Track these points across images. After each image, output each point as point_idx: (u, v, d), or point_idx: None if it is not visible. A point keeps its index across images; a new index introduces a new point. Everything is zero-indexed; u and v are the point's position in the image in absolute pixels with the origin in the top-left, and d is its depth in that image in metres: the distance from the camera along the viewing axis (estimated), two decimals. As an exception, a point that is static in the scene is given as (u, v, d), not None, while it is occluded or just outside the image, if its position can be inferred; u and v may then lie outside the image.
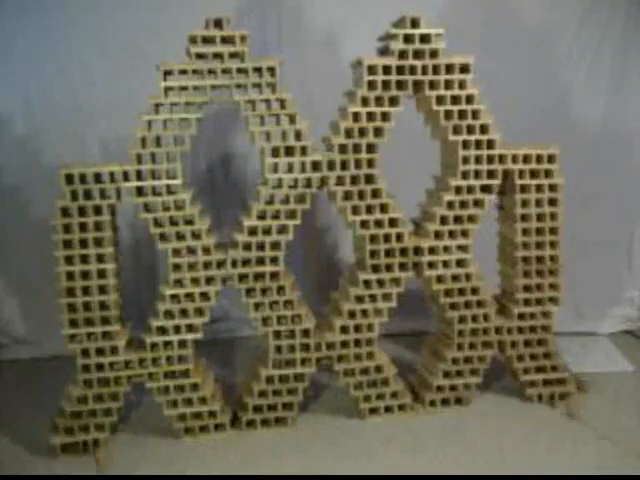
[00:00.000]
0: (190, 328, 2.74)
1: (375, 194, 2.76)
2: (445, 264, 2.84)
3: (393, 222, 2.79)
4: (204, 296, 2.73)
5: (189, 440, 2.79)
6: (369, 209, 2.77)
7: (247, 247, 2.72)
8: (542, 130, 3.76)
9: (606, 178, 3.82)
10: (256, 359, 2.97)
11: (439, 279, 2.86)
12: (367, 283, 2.81)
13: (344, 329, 2.83)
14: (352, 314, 2.83)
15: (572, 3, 3.61)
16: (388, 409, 2.93)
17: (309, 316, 2.84)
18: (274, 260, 2.74)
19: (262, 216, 2.71)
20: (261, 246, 2.73)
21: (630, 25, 3.62)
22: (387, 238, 2.79)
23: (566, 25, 3.63)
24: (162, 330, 2.74)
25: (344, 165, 2.72)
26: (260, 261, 2.74)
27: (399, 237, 2.80)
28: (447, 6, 3.53)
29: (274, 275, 2.75)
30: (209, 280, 2.72)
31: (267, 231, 2.72)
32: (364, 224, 2.78)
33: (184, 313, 2.73)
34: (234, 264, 2.72)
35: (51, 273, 3.69)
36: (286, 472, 2.54)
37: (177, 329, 2.74)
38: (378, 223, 2.78)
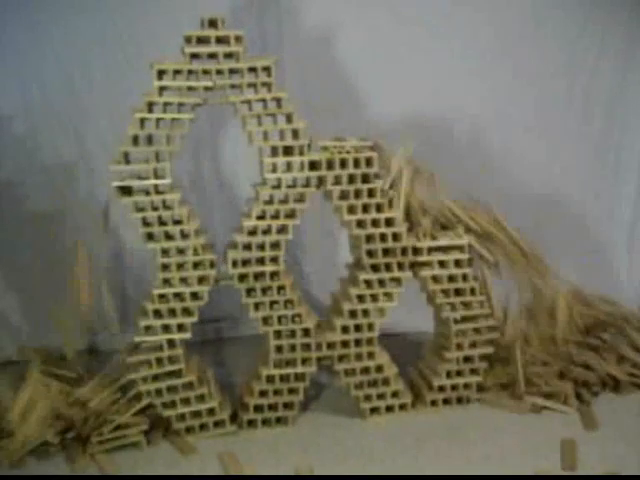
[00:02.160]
0: (180, 327, 2.71)
1: (371, 193, 2.74)
2: (442, 264, 2.83)
3: (389, 222, 2.77)
4: (194, 296, 2.71)
5: (190, 439, 2.78)
6: (365, 208, 2.75)
7: (247, 247, 2.71)
8: (542, 130, 3.77)
9: (606, 178, 3.82)
10: (257, 359, 2.96)
11: (435, 279, 2.85)
12: (368, 283, 2.80)
13: (345, 329, 2.82)
14: (353, 314, 2.82)
15: (573, 4, 3.60)
16: (389, 409, 2.93)
17: (310, 315, 2.84)
18: (274, 260, 2.73)
19: (261, 216, 2.69)
20: (261, 246, 2.71)
21: (633, 27, 3.61)
22: (383, 237, 2.77)
23: (567, 26, 3.62)
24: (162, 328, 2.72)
25: (343, 164, 2.70)
26: (260, 261, 2.73)
27: (395, 237, 2.78)
28: (444, 5, 3.53)
29: (274, 274, 2.75)
30: (201, 280, 2.71)
31: (267, 231, 2.71)
32: (360, 223, 2.76)
33: (172, 312, 2.72)
34: (234, 264, 2.71)
35: (50, 270, 3.69)
36: (286, 472, 2.54)
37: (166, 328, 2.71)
38: (374, 222, 2.76)
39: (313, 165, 2.68)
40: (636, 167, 3.80)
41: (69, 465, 2.61)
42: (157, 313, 2.71)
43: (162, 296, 2.71)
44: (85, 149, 3.51)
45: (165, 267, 2.69)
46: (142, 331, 2.71)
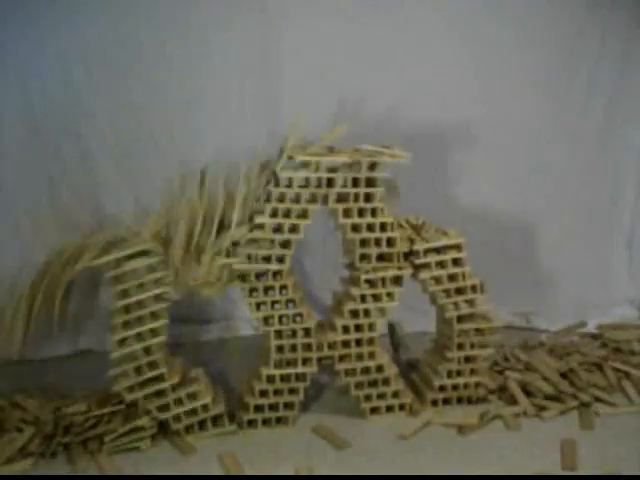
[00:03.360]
0: (153, 332, 2.68)
1: (368, 198, 2.73)
2: (441, 265, 2.83)
3: (384, 226, 2.77)
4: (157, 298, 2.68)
5: (190, 439, 2.77)
6: (361, 212, 2.75)
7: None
8: (542, 129, 3.77)
9: (606, 179, 3.83)
10: (257, 358, 2.96)
11: (435, 280, 2.85)
12: (370, 282, 2.80)
13: (346, 328, 2.83)
14: (354, 313, 2.82)
15: (573, 4, 3.60)
16: (389, 409, 2.93)
17: (311, 315, 2.84)
18: (280, 259, 2.72)
19: (274, 214, 2.68)
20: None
21: (633, 27, 3.62)
22: (377, 242, 2.77)
23: (567, 26, 3.63)
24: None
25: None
26: (266, 259, 2.72)
27: (389, 241, 2.79)
28: (442, 8, 3.54)
29: (277, 274, 2.74)
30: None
31: (277, 230, 2.71)
32: (355, 227, 2.76)
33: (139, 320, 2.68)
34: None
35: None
36: (286, 472, 2.53)
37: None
38: (370, 227, 2.76)
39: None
40: (636, 166, 3.82)
41: (69, 465, 2.60)
42: (126, 324, 2.67)
43: (125, 307, 2.66)
44: (85, 149, 3.50)
45: (117, 279, 2.64)
46: (116, 345, 2.66)
